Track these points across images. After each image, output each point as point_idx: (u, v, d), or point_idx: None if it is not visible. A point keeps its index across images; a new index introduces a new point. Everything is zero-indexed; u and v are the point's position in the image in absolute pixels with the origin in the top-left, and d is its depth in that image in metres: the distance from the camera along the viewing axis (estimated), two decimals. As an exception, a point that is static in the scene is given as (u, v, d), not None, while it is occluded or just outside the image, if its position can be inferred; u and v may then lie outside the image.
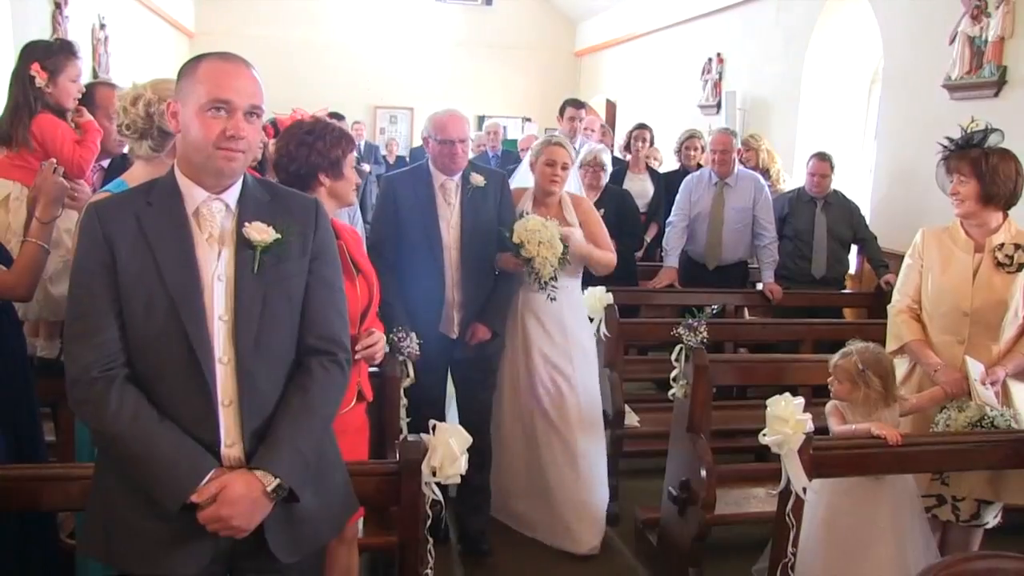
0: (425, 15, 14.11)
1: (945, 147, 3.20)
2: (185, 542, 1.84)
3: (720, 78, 9.06)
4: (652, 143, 7.27)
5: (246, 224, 1.91)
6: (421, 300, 3.68)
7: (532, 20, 14.45)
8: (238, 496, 1.81)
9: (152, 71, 3.35)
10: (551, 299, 3.75)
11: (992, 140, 3.09)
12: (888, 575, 2.89)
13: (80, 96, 3.48)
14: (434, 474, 2.36)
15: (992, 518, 3.19)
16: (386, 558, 3.47)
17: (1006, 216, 3.15)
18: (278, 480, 1.85)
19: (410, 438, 2.41)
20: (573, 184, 4.22)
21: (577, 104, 6.82)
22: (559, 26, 14.63)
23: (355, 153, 2.84)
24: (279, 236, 1.91)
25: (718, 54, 9.08)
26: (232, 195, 1.93)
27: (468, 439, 2.40)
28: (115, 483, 1.89)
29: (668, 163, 7.90)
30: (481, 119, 14.04)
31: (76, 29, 7.34)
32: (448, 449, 2.36)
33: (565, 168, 3.91)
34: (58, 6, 6.98)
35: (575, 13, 14.24)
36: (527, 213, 3.84)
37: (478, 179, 3.75)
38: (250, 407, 1.88)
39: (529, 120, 13.73)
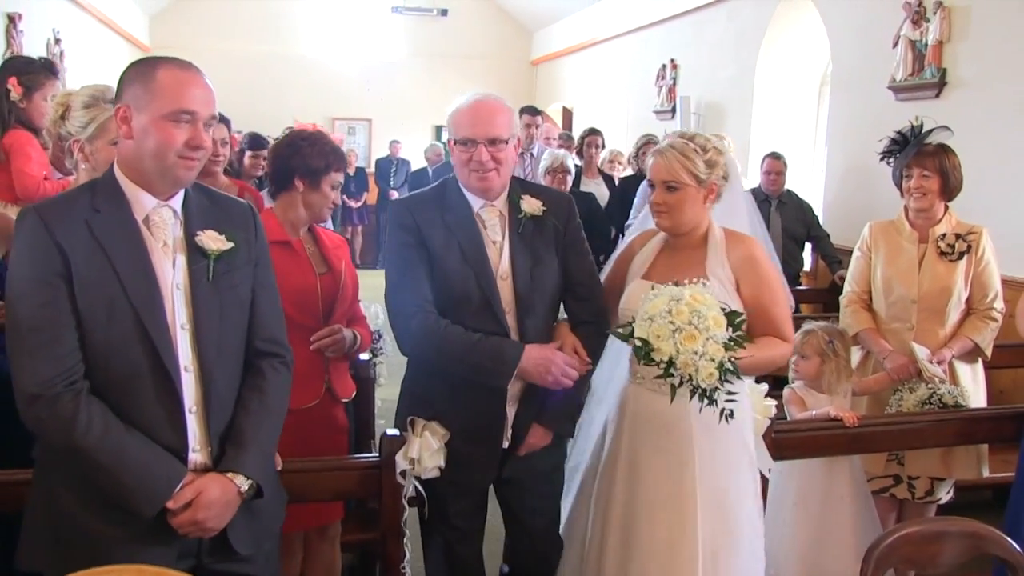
0: (381, 26, 14.16)
1: (895, 141, 3.37)
2: (149, 544, 1.85)
3: (674, 83, 9.24)
4: (603, 147, 7.40)
5: (199, 233, 1.92)
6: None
7: (488, 30, 14.57)
8: (214, 499, 1.86)
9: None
10: (728, 418, 2.24)
11: (941, 136, 3.27)
12: (849, 549, 3.04)
13: None
14: (413, 466, 2.44)
15: (945, 494, 3.36)
16: (363, 557, 3.54)
17: (947, 208, 3.33)
18: (250, 481, 1.92)
19: (389, 432, 2.49)
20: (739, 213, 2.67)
21: (533, 111, 6.94)
22: (515, 35, 14.77)
23: (341, 175, 2.81)
24: (233, 244, 1.94)
25: (672, 60, 9.26)
26: (178, 201, 1.93)
27: (445, 433, 2.46)
28: (67, 491, 1.86)
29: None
30: (439, 128, 14.14)
31: (31, 43, 7.30)
32: (425, 441, 2.44)
33: (673, 189, 2.44)
34: (12, 20, 6.95)
35: (531, 22, 14.40)
36: (646, 265, 2.59)
37: (533, 205, 2.53)
38: (215, 412, 1.93)
39: (487, 129, 13.81)
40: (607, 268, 2.77)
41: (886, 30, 5.74)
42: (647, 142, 7.09)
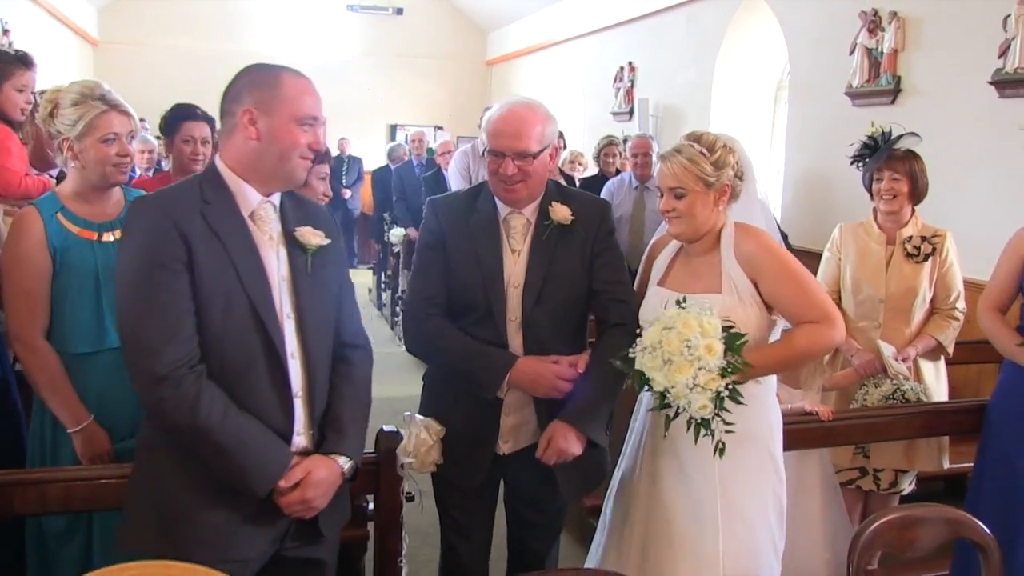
0: (336, 25, 14.07)
1: (865, 145, 3.52)
2: (248, 526, 1.93)
3: (632, 86, 9.38)
4: (565, 147, 7.48)
5: (298, 228, 2.02)
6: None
7: (443, 29, 14.59)
8: (321, 479, 1.97)
9: (57, 79, 3.37)
10: (720, 452, 2.18)
11: (910, 142, 3.43)
12: (818, 538, 3.16)
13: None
14: (412, 461, 2.48)
15: (908, 485, 3.52)
16: (343, 553, 3.56)
17: (913, 211, 3.48)
18: (352, 462, 2.05)
19: (386, 428, 2.53)
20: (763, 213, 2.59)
21: (497, 112, 6.99)
22: (470, 35, 14.81)
23: (327, 166, 2.86)
24: (330, 241, 2.05)
25: (630, 63, 9.40)
26: (276, 199, 2.04)
27: (440, 429, 2.49)
28: (174, 475, 1.92)
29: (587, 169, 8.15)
30: (393, 128, 14.12)
31: (-20, 36, 7.16)
32: (419, 438, 2.48)
33: (680, 196, 2.35)
34: (-39, 12, 6.81)
35: (486, 22, 14.45)
36: (661, 272, 2.50)
37: (562, 212, 2.45)
38: (317, 398, 2.04)
39: (441, 128, 13.86)
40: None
41: (843, 38, 5.94)
42: (609, 143, 7.21)
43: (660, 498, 2.43)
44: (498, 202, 2.49)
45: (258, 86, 1.95)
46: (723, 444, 2.15)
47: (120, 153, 2.46)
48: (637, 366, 2.15)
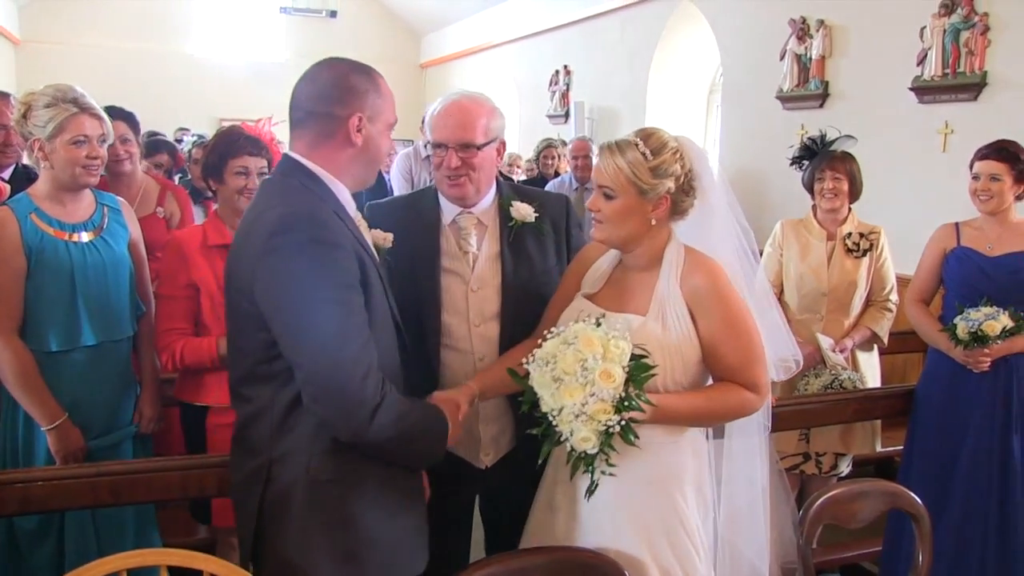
0: (269, 26, 13.94)
1: (806, 147, 3.72)
2: (416, 539, 1.95)
3: (568, 89, 9.56)
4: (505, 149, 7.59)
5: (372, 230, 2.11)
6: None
7: (376, 32, 14.57)
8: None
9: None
10: (589, 494, 1.92)
11: (846, 144, 3.65)
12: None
13: None
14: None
15: (846, 467, 3.73)
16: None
17: (850, 209, 3.70)
18: None
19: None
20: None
21: (439, 115, 7.08)
22: (404, 38, 14.83)
23: (246, 159, 2.77)
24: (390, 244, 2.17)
25: (565, 66, 9.58)
26: None
27: None
28: (368, 504, 1.83)
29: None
30: (327, 130, 13.98)
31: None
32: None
33: (609, 197, 2.02)
34: None
35: (420, 26, 14.49)
36: (598, 285, 2.17)
37: (524, 211, 2.33)
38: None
39: (376, 130, 13.83)
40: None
41: (773, 44, 6.21)
42: (548, 145, 7.36)
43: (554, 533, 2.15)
44: (444, 204, 2.34)
45: (367, 92, 1.83)
46: (596, 485, 1.89)
47: (90, 155, 2.49)
48: (529, 380, 1.88)
